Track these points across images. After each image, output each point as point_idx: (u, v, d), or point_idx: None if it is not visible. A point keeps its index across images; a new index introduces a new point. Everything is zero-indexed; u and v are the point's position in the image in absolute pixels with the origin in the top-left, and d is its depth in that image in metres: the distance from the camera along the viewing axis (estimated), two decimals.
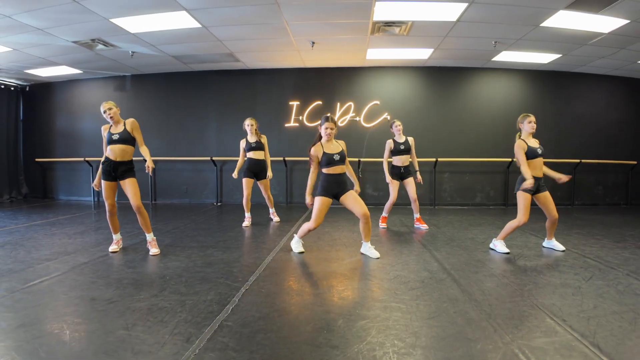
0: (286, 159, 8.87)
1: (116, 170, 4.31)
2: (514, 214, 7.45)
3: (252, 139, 6.22)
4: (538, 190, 4.39)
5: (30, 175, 10.06)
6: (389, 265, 3.97)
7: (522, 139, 4.39)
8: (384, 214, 6.26)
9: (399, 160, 6.00)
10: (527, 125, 4.40)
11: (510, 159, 8.60)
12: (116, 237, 4.60)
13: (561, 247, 4.65)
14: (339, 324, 2.57)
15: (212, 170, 9.19)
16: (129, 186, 4.32)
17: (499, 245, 4.60)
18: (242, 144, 6.26)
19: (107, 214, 4.43)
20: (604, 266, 3.92)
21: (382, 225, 6.23)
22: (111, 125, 4.34)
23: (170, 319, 2.62)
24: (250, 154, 6.20)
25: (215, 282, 3.40)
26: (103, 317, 2.65)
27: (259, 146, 6.20)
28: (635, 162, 8.91)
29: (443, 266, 3.93)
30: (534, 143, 4.42)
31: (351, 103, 8.80)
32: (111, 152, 4.29)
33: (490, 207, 8.80)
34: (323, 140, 4.25)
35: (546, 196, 4.44)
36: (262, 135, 6.36)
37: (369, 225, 4.24)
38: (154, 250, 4.44)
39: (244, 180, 6.23)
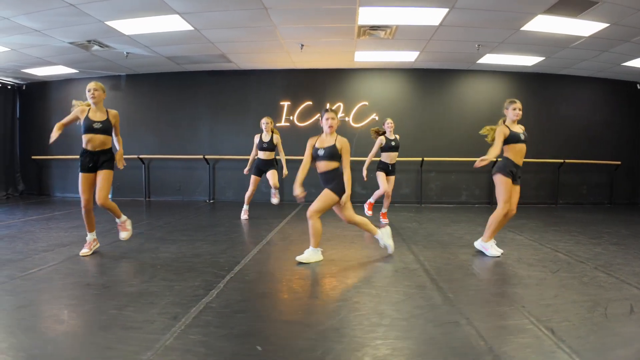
0: (277, 157, 9.05)
1: (97, 161, 4.07)
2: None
3: (266, 137, 6.38)
4: (514, 179, 4.18)
5: (26, 173, 10.23)
6: (366, 257, 4.21)
7: (506, 125, 4.22)
8: (371, 200, 6.62)
9: (388, 157, 6.29)
10: (512, 112, 4.20)
11: (495, 159, 8.81)
12: (91, 236, 4.18)
13: (497, 253, 4.22)
14: (314, 306, 2.82)
15: (205, 169, 9.39)
16: (102, 178, 4.05)
17: (489, 248, 4.23)
18: (256, 139, 6.42)
19: (83, 210, 4.08)
20: (574, 260, 4.06)
21: (368, 212, 6.57)
22: (89, 110, 4.04)
23: (159, 301, 2.84)
24: (261, 154, 6.45)
25: (202, 270, 3.62)
26: (97, 300, 2.88)
27: (270, 147, 6.41)
28: (619, 162, 9.11)
29: (417, 258, 4.16)
30: (518, 129, 4.23)
31: (340, 103, 9.04)
32: (89, 142, 4.03)
33: (475, 205, 9.05)
34: (324, 133, 4.00)
35: (516, 189, 4.21)
36: (276, 132, 6.50)
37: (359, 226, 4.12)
38: (123, 234, 4.32)
39: (252, 177, 6.51)
